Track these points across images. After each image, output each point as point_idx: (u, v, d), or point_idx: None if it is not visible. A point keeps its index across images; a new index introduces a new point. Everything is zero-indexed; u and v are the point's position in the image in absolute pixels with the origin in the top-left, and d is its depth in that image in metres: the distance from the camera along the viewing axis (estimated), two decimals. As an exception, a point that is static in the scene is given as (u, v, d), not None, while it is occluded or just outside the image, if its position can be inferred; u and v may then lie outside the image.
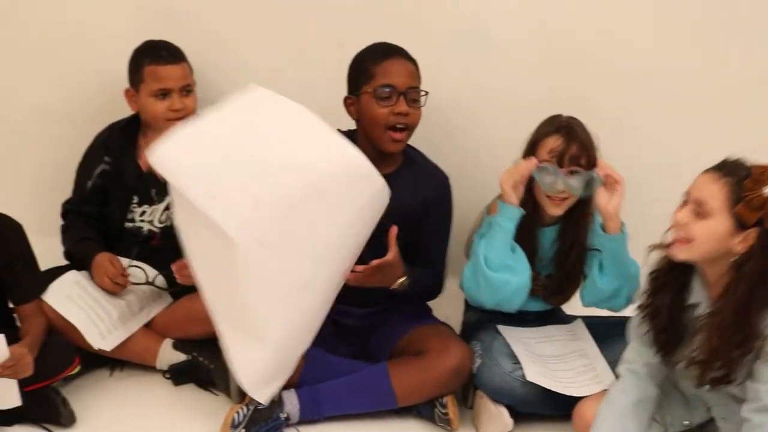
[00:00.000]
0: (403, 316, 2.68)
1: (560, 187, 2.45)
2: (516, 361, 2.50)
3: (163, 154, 2.18)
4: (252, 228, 2.10)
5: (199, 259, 2.28)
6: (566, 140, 2.46)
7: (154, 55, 2.81)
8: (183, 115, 2.81)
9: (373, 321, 2.72)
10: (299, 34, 3.07)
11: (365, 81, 2.51)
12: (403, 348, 2.60)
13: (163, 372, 2.74)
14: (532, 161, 2.45)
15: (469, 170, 3.00)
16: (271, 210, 2.12)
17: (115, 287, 2.71)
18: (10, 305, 2.63)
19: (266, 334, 2.29)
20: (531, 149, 2.52)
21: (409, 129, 2.54)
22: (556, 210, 2.51)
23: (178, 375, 2.72)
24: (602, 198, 2.45)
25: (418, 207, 2.60)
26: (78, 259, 2.79)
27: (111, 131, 2.91)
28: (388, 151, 2.53)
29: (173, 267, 2.56)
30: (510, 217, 2.45)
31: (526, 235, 2.51)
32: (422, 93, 2.53)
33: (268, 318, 2.26)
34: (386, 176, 2.31)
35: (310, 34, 3.07)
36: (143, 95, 2.82)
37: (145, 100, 2.82)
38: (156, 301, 2.83)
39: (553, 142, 2.47)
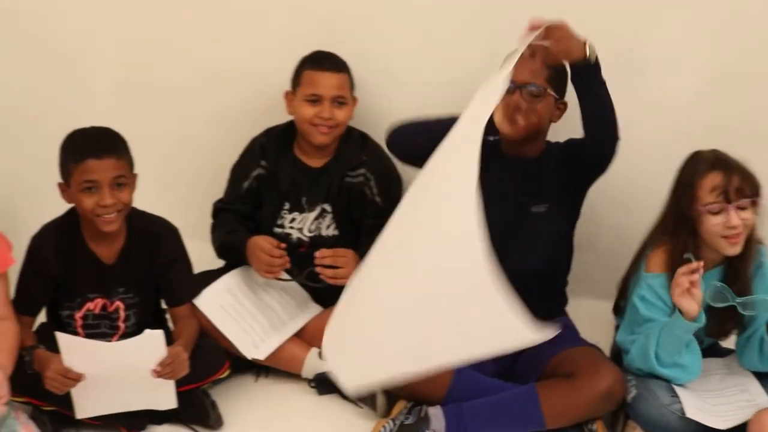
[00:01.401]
0: (552, 338, 2.61)
1: (735, 223, 2.36)
2: (674, 393, 2.40)
3: None
4: None
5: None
6: (725, 174, 2.37)
7: (316, 62, 2.85)
8: (330, 124, 2.82)
9: None
10: (456, 45, 3.05)
11: None
12: (552, 370, 2.54)
13: (309, 381, 2.74)
14: (695, 265, 2.34)
15: (626, 194, 2.92)
16: None
17: (273, 267, 2.71)
18: (163, 306, 2.69)
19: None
20: (687, 195, 2.43)
21: None
22: (734, 249, 2.40)
23: (323, 385, 2.71)
24: None
25: None
26: (230, 249, 2.81)
27: (269, 135, 2.94)
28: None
29: (317, 254, 2.67)
30: (688, 329, 2.37)
31: None
32: None
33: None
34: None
35: (461, 48, 3.03)
36: (298, 98, 2.85)
37: (299, 103, 2.85)
38: (304, 311, 2.84)
39: (713, 180, 2.38)
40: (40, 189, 2.93)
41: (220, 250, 2.87)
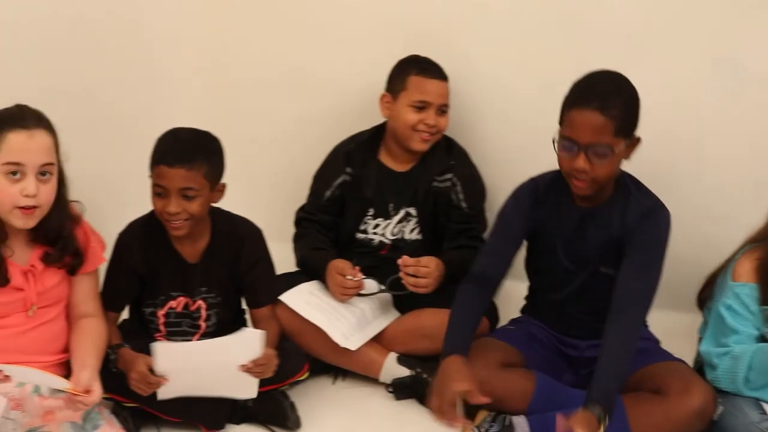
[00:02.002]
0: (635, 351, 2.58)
1: None
2: (762, 411, 2.35)
3: None
4: None
5: None
6: None
7: (423, 68, 2.83)
8: (434, 132, 2.81)
9: (597, 353, 2.62)
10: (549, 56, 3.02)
11: None
12: (636, 384, 2.49)
13: (386, 385, 2.73)
14: None
15: (711, 205, 2.87)
16: None
17: (347, 292, 2.72)
18: (243, 307, 2.70)
19: None
20: None
21: None
22: None
23: (400, 389, 2.70)
24: None
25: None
26: (311, 267, 2.82)
27: (355, 143, 2.94)
28: None
29: (399, 262, 2.65)
30: None
31: None
32: None
33: None
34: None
35: (548, 54, 3.00)
36: (401, 103, 2.83)
37: (402, 108, 2.83)
38: (385, 314, 2.83)
39: None
40: (125, 188, 2.98)
41: (301, 263, 2.89)
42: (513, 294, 2.77)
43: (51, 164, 2.24)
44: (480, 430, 2.40)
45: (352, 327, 2.70)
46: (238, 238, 2.56)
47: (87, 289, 2.45)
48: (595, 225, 2.44)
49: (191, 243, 2.52)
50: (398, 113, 2.84)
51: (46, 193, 2.25)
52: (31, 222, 2.27)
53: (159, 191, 2.41)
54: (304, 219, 2.94)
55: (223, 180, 2.50)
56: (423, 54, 2.89)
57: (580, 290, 2.51)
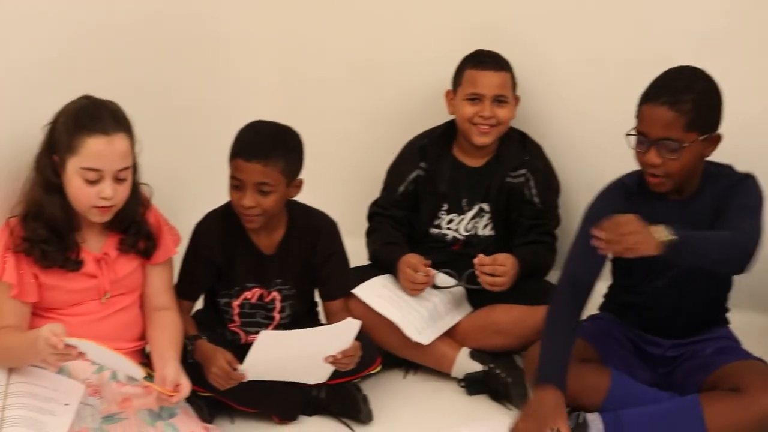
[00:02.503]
0: (714, 349, 2.53)
1: None
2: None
3: None
4: None
5: None
6: None
7: (478, 61, 2.83)
8: (491, 123, 2.79)
9: (680, 352, 2.58)
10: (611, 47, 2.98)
11: None
12: (713, 383, 2.44)
13: (458, 380, 2.72)
14: None
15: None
16: None
17: (417, 287, 2.71)
18: (316, 299, 2.72)
19: None
20: None
21: None
22: None
23: (472, 385, 2.69)
24: None
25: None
26: (383, 261, 2.82)
27: (429, 137, 2.93)
28: None
29: (475, 261, 2.64)
30: None
31: None
32: None
33: None
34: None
35: (623, 52, 2.95)
36: (458, 98, 2.84)
37: (459, 102, 2.83)
38: (457, 309, 2.81)
39: None
40: (197, 181, 3.01)
41: (373, 258, 2.89)
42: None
43: (127, 168, 2.27)
44: (553, 426, 2.37)
45: (424, 321, 2.69)
46: (314, 230, 2.57)
47: (161, 281, 2.48)
48: (688, 217, 2.40)
49: (267, 234, 2.54)
50: (457, 108, 2.84)
51: (122, 193, 2.29)
52: (107, 218, 2.31)
53: (236, 184, 2.43)
54: (377, 214, 2.94)
55: (298, 181, 2.51)
56: (493, 48, 2.88)
57: (670, 287, 2.45)
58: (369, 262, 2.89)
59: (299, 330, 2.39)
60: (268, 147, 2.41)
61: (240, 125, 2.51)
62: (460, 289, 2.84)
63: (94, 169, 2.22)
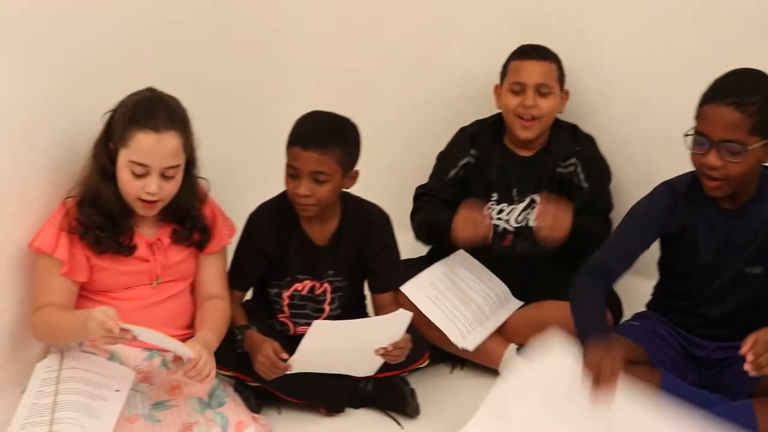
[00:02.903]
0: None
1: None
2: None
3: None
4: None
5: None
6: None
7: (521, 52, 2.81)
8: (534, 114, 2.76)
9: (726, 354, 2.55)
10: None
11: None
12: (765, 387, 2.41)
13: (506, 377, 2.71)
14: None
15: None
16: None
17: (479, 226, 2.65)
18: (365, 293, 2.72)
19: None
20: None
21: None
22: None
23: (520, 381, 2.68)
24: None
25: None
26: (437, 227, 2.75)
27: (480, 125, 2.92)
28: None
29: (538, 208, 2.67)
30: None
31: None
32: None
33: None
34: None
35: (677, 47, 2.90)
36: (504, 89, 2.83)
37: (503, 94, 2.82)
38: (505, 306, 2.80)
39: None
40: (248, 172, 3.02)
41: (425, 226, 2.84)
42: (636, 290, 2.71)
43: (175, 167, 2.28)
44: None
45: (469, 324, 2.68)
46: (367, 222, 2.57)
47: (213, 271, 2.49)
48: (740, 224, 2.37)
49: (320, 225, 2.53)
50: (502, 100, 2.83)
51: (168, 190, 2.30)
52: (152, 212, 2.33)
53: (292, 172, 2.42)
54: (424, 194, 2.91)
55: (354, 172, 2.50)
56: (544, 41, 2.85)
57: (719, 291, 2.44)
58: (416, 255, 2.88)
59: (352, 320, 2.39)
60: (325, 136, 2.40)
61: (293, 117, 2.50)
62: (505, 287, 2.83)
63: (141, 163, 2.24)
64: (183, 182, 2.35)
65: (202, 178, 2.45)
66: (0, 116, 2.26)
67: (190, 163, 2.37)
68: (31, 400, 2.15)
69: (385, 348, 2.36)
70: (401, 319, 2.35)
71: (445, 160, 2.92)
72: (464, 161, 2.87)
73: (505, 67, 2.86)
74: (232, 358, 2.46)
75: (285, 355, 2.37)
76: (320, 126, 2.44)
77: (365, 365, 2.45)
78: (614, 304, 2.71)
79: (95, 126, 2.32)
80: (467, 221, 2.65)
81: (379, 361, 2.43)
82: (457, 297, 2.71)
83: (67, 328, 2.24)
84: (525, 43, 2.88)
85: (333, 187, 2.43)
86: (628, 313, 2.75)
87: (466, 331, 2.66)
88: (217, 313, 2.45)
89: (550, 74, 2.80)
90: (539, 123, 2.79)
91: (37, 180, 2.38)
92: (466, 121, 2.98)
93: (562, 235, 2.61)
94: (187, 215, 2.40)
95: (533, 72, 2.78)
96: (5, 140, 2.29)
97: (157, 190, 2.25)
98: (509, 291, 2.84)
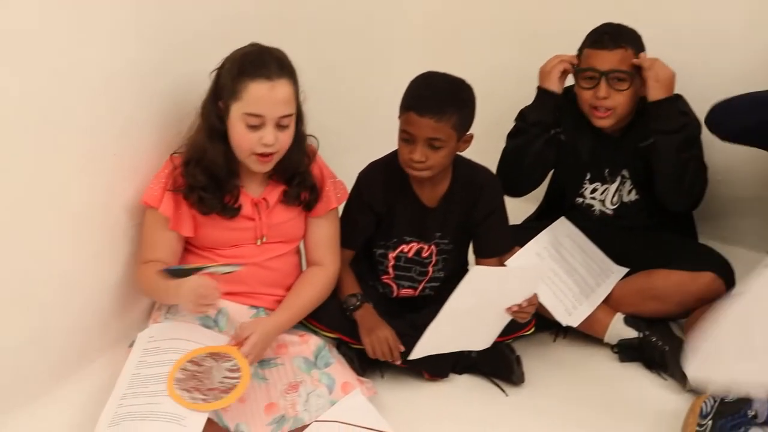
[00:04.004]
0: None
1: None
2: None
3: None
4: None
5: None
6: None
7: (595, 39, 2.63)
8: (606, 105, 2.60)
9: None
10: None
11: None
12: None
13: (612, 346, 2.64)
14: None
15: None
16: None
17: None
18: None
19: None
20: None
21: None
22: None
23: (626, 351, 2.61)
24: None
25: None
26: (531, 134, 2.69)
27: (566, 96, 2.75)
28: None
29: None
30: None
31: None
32: None
33: None
34: None
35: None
36: (578, 80, 2.67)
37: (578, 87, 2.68)
38: (609, 276, 2.72)
39: None
40: (343, 134, 2.99)
41: (510, 153, 2.75)
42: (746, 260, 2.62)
43: (289, 116, 2.24)
44: (715, 398, 2.27)
45: (576, 298, 2.62)
46: (478, 185, 2.51)
47: (319, 235, 2.46)
48: None
49: (431, 187, 2.49)
50: (577, 91, 2.68)
51: (284, 141, 2.26)
52: (267, 167, 2.30)
53: (406, 137, 2.37)
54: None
55: (468, 137, 2.43)
56: (635, 22, 2.68)
57: None
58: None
59: (502, 267, 2.33)
60: (442, 102, 2.33)
61: (403, 79, 2.44)
62: (605, 257, 2.76)
63: (255, 114, 2.20)
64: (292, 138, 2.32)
65: (311, 135, 2.42)
66: (113, 75, 2.25)
67: (299, 117, 2.34)
68: (132, 370, 2.15)
69: (519, 305, 2.31)
70: (538, 273, 2.33)
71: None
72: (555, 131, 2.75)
73: (580, 51, 2.68)
74: (338, 320, 2.44)
75: (402, 348, 2.38)
76: (436, 90, 2.37)
77: (487, 332, 2.40)
78: (727, 271, 2.61)
79: (202, 85, 2.31)
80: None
81: (500, 327, 2.39)
82: (563, 269, 2.65)
83: (162, 291, 2.24)
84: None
85: (448, 152, 2.37)
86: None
87: (572, 306, 2.60)
88: (310, 288, 2.42)
89: (622, 63, 2.59)
90: (613, 114, 2.63)
91: (147, 137, 2.38)
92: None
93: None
94: (296, 172, 2.37)
95: (602, 60, 2.59)
96: (119, 100, 2.29)
97: (273, 140, 2.22)
98: (611, 261, 2.78)
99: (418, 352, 2.34)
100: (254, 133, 2.22)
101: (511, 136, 2.77)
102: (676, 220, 2.80)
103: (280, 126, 2.23)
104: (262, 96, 2.19)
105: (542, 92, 2.69)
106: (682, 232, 2.83)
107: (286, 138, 2.27)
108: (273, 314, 2.35)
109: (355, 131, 3.09)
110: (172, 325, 2.28)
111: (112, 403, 2.07)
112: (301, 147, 2.36)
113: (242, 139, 2.24)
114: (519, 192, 2.78)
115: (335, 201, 2.47)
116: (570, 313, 2.59)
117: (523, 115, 2.75)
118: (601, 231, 2.78)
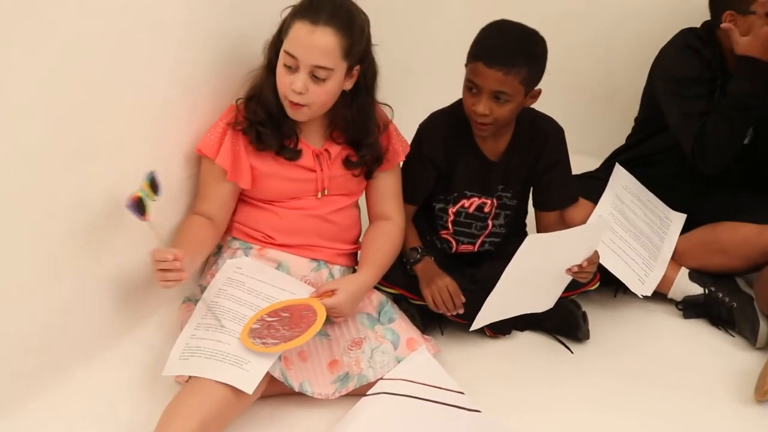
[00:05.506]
0: None
1: None
2: None
3: None
4: None
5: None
6: None
7: None
8: None
9: None
10: None
11: None
12: None
13: (676, 303, 2.58)
14: None
15: None
16: None
17: None
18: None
19: None
20: None
21: None
22: None
23: (691, 308, 2.55)
24: None
25: None
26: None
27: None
28: None
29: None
30: None
31: None
32: None
33: None
34: None
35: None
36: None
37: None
38: (669, 229, 2.65)
39: None
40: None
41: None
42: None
43: (326, 68, 2.14)
44: None
45: (645, 263, 2.54)
46: (542, 135, 2.43)
47: (384, 189, 2.39)
48: None
49: (494, 140, 2.40)
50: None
51: (316, 95, 2.16)
52: (298, 116, 2.21)
53: (471, 86, 2.28)
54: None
55: (535, 92, 2.33)
56: None
57: None
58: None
59: (556, 232, 2.24)
60: (512, 54, 2.23)
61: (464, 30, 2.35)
62: (663, 205, 2.69)
63: (291, 54, 2.13)
64: (364, 107, 2.25)
65: (386, 105, 2.34)
66: (175, 26, 2.18)
67: (366, 84, 2.25)
68: (212, 297, 2.13)
69: (579, 265, 2.23)
70: (600, 228, 2.24)
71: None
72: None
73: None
74: (399, 275, 2.38)
75: (463, 298, 2.32)
76: (507, 41, 2.27)
77: (549, 294, 2.33)
78: None
79: (268, 33, 2.23)
80: None
81: (562, 288, 2.32)
82: (629, 233, 2.57)
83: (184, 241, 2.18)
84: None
85: (514, 106, 2.28)
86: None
87: (644, 273, 2.53)
88: (386, 242, 2.36)
89: None
90: None
91: (206, 86, 2.30)
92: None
93: None
94: (363, 143, 2.29)
95: None
96: (174, 57, 2.21)
97: (301, 88, 2.13)
98: (668, 207, 2.70)
99: (481, 321, 2.28)
100: (289, 75, 2.15)
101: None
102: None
103: (314, 77, 2.14)
104: (299, 37, 2.12)
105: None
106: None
107: (319, 92, 2.16)
108: (359, 272, 2.30)
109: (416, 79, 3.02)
110: (260, 266, 2.24)
111: (186, 331, 2.08)
112: (366, 115, 2.28)
113: (280, 79, 2.17)
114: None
115: (400, 155, 2.39)
116: (643, 281, 2.52)
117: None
118: (672, 181, 2.70)
